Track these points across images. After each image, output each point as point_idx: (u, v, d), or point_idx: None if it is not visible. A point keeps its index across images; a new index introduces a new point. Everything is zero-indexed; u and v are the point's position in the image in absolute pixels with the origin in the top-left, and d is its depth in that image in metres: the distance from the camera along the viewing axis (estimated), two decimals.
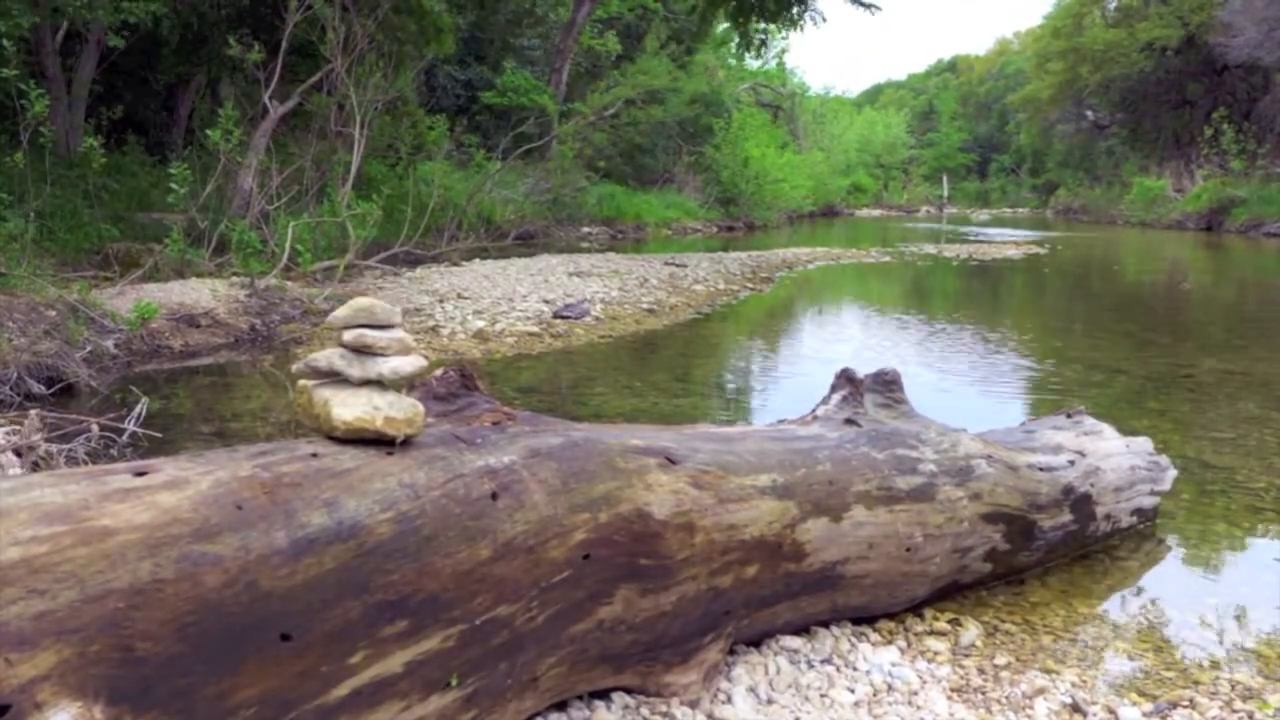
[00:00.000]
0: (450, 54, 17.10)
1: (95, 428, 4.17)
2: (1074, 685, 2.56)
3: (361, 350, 1.89)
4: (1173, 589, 3.25)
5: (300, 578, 1.58)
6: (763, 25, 22.75)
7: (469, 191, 16.44)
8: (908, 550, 2.80)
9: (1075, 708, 2.44)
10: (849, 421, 2.97)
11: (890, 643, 2.78)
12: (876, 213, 48.89)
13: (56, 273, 7.79)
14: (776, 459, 2.63)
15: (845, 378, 3.12)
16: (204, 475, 1.62)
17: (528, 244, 17.47)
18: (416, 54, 14.50)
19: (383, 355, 1.89)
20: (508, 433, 2.17)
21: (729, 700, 2.38)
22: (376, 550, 1.70)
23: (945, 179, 59.82)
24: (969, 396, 6.14)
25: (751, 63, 42.62)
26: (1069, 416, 3.84)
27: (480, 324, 8.24)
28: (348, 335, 1.89)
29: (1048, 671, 2.64)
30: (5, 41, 8.09)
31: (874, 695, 2.48)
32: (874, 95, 78.20)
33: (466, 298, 9.71)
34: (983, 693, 2.52)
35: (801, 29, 22.08)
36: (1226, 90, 35.28)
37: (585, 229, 21.50)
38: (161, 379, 6.25)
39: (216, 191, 10.56)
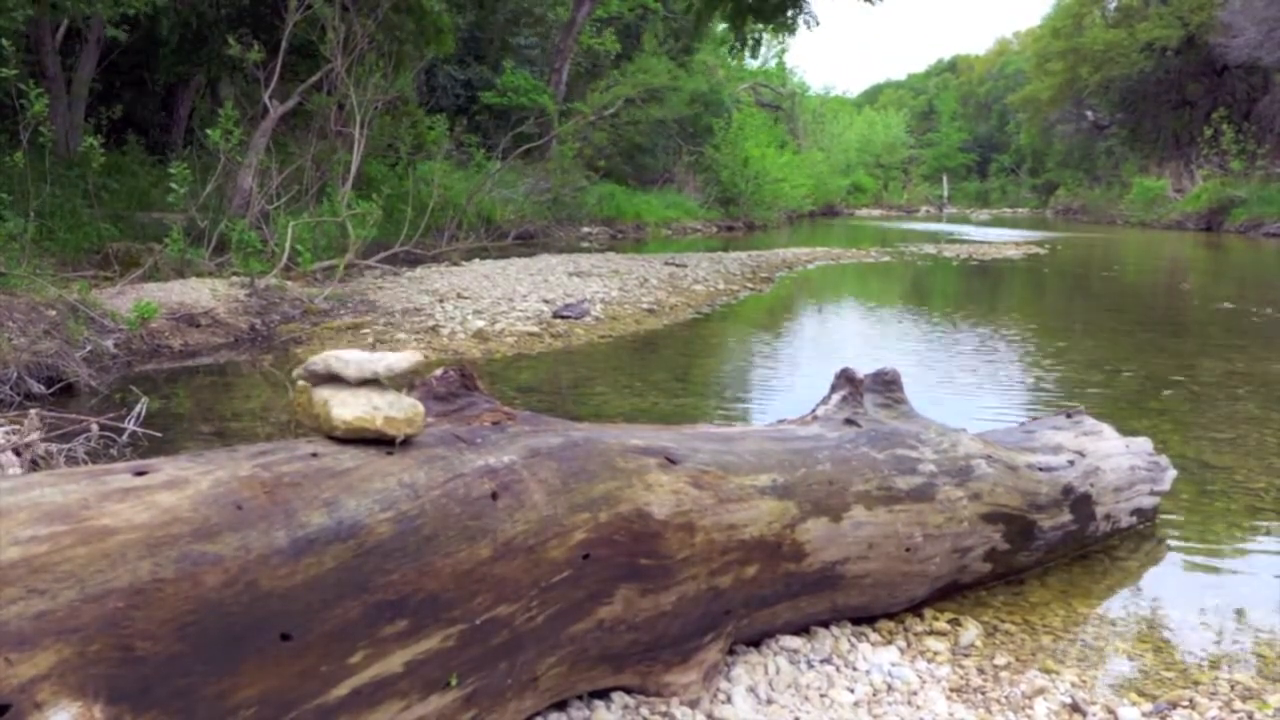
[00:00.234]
0: (450, 54, 17.09)
1: (95, 427, 4.18)
2: (1074, 685, 2.56)
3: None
4: (1173, 589, 3.25)
5: (300, 577, 1.58)
6: (758, 27, 22.74)
7: (469, 191, 16.45)
8: (907, 550, 2.80)
9: (1075, 708, 2.44)
10: (849, 421, 2.97)
11: (890, 643, 2.78)
12: (876, 212, 48.91)
13: (56, 272, 7.79)
14: (776, 459, 2.63)
15: (845, 378, 3.12)
16: (204, 475, 1.62)
17: (528, 244, 17.48)
18: (416, 54, 14.49)
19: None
20: (508, 432, 2.17)
21: (729, 700, 2.38)
22: (376, 550, 1.70)
23: (945, 179, 59.86)
24: (969, 396, 6.14)
25: (751, 62, 42.65)
26: (1069, 416, 3.85)
27: (480, 324, 8.24)
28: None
29: (1047, 671, 2.64)
30: (4, 40, 8.08)
31: (874, 695, 2.48)
32: (874, 95, 78.20)
33: (466, 297, 9.71)
34: (982, 693, 2.52)
35: (793, 33, 22.12)
36: (1226, 90, 35.30)
37: (585, 229, 21.51)
38: (161, 379, 6.25)
39: (216, 191, 10.56)
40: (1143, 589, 3.27)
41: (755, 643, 2.64)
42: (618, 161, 26.03)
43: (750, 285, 12.37)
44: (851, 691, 2.48)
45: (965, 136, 67.06)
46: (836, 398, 3.08)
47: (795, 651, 2.65)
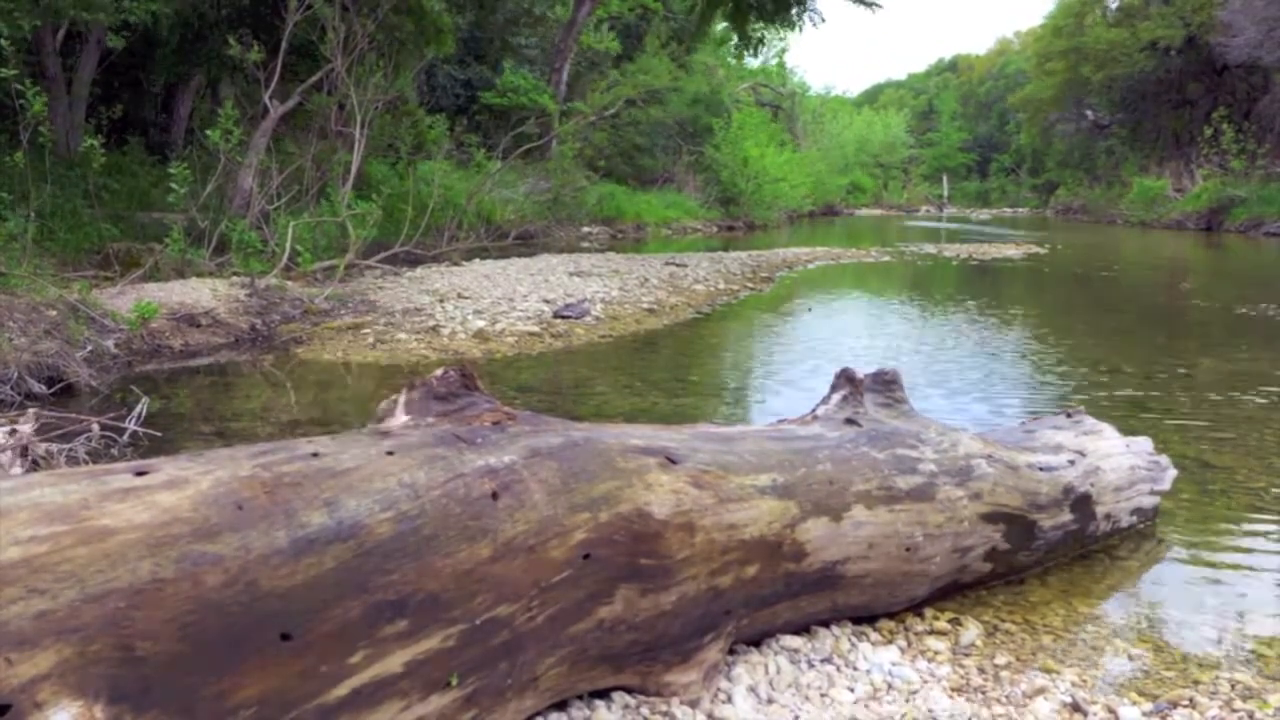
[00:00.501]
0: (450, 54, 17.10)
1: (95, 427, 4.18)
2: (1074, 685, 2.56)
3: None
4: (1173, 589, 3.25)
5: (300, 577, 1.58)
6: (760, 25, 22.73)
7: (469, 191, 16.45)
8: (908, 550, 2.80)
9: (1075, 707, 2.44)
10: (849, 421, 2.97)
11: (890, 642, 2.78)
12: (876, 212, 48.93)
13: (57, 273, 7.79)
14: (776, 459, 2.63)
15: (845, 377, 3.12)
16: (204, 475, 1.62)
17: (528, 244, 17.48)
18: (416, 54, 14.49)
19: None
20: (508, 432, 2.17)
21: (729, 700, 2.38)
22: (376, 550, 1.70)
23: (945, 179, 59.88)
24: (969, 396, 6.14)
25: (751, 62, 42.66)
26: (1069, 416, 3.85)
27: (480, 324, 8.24)
28: None
29: (1048, 671, 2.64)
30: (5, 42, 8.09)
31: (874, 695, 2.48)
32: (874, 95, 78.19)
33: (467, 297, 9.71)
34: (983, 692, 2.52)
35: (800, 30, 22.10)
36: (1226, 90, 35.30)
37: (585, 229, 21.50)
38: (162, 379, 6.25)
39: (216, 191, 10.56)
40: (1143, 589, 3.27)
41: (756, 642, 2.64)
42: (618, 161, 26.03)
43: (750, 285, 12.37)
44: (852, 691, 2.48)
45: (965, 136, 67.05)
46: (837, 397, 3.08)
47: (796, 651, 2.65)
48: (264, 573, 1.54)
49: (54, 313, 6.32)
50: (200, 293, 7.92)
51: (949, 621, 2.93)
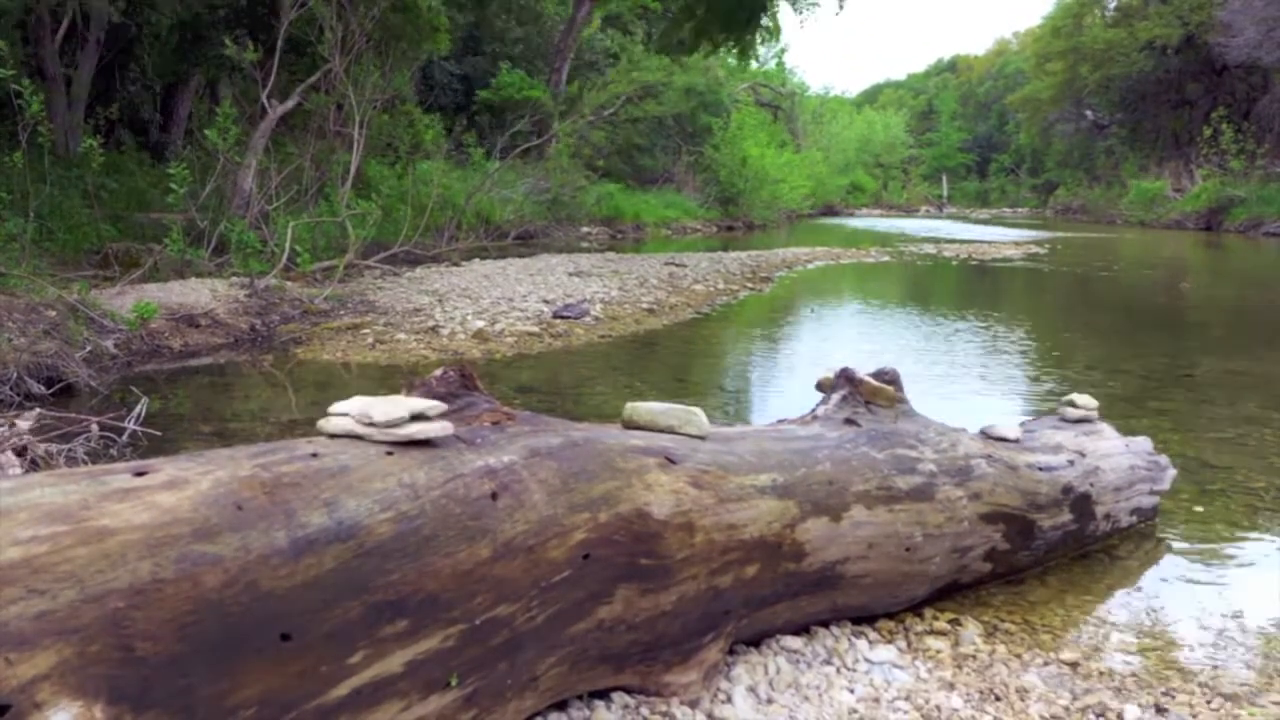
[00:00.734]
0: (447, 51, 17.10)
1: (95, 427, 4.18)
2: (1073, 685, 2.56)
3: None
4: (1173, 589, 3.25)
5: (300, 578, 1.58)
6: (726, 47, 22.62)
7: (468, 191, 16.45)
8: (907, 550, 2.80)
9: (1075, 707, 2.44)
10: (849, 421, 2.97)
11: (890, 642, 2.78)
12: (876, 212, 48.94)
13: (56, 273, 7.79)
14: (776, 459, 2.63)
15: (845, 377, 3.12)
16: (204, 475, 1.62)
17: (527, 244, 17.48)
18: (413, 52, 14.49)
19: None
20: (508, 433, 2.17)
21: (729, 700, 2.38)
22: (376, 550, 1.70)
23: (945, 179, 59.96)
24: (969, 396, 6.14)
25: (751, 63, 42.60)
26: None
27: (480, 324, 8.24)
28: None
29: (1047, 671, 2.64)
30: (2, 40, 8.09)
31: (874, 695, 2.48)
32: (873, 95, 78.24)
33: (466, 298, 9.71)
34: (982, 692, 2.52)
35: (753, 58, 22.05)
36: (1226, 90, 35.33)
37: (584, 229, 21.50)
38: (161, 379, 6.24)
39: (216, 191, 10.56)
40: (1143, 589, 3.27)
41: (755, 642, 2.64)
42: (616, 161, 26.03)
43: (750, 285, 12.37)
44: (852, 691, 2.48)
45: (965, 136, 67.11)
46: (836, 397, 3.08)
47: (795, 651, 2.65)
48: (264, 573, 1.54)
49: (53, 313, 6.31)
50: (199, 293, 7.92)
51: (949, 622, 2.93)
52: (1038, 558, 3.30)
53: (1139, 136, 39.82)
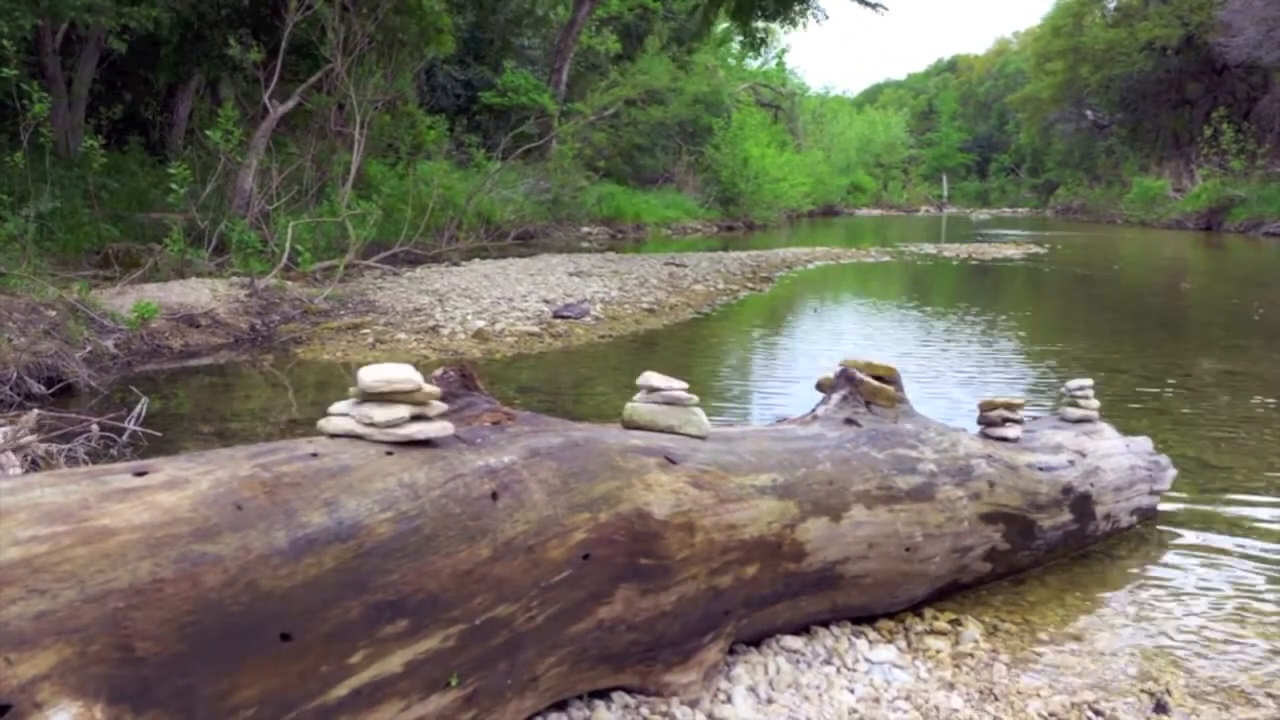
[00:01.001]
0: (450, 54, 17.11)
1: (95, 427, 4.18)
2: (1073, 684, 2.56)
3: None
4: (1172, 589, 3.25)
5: (300, 578, 1.58)
6: (763, 23, 22.71)
7: (469, 191, 16.45)
8: (907, 550, 2.80)
9: (1074, 707, 2.44)
10: (849, 421, 2.97)
11: (890, 642, 2.78)
12: (876, 212, 48.96)
13: (56, 273, 7.79)
14: (776, 459, 2.63)
15: (845, 377, 3.12)
16: (204, 475, 1.62)
17: (527, 244, 17.48)
18: (416, 54, 14.50)
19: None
20: (508, 432, 2.17)
21: (729, 700, 2.38)
22: (376, 550, 1.70)
23: (945, 179, 59.96)
24: (969, 396, 6.14)
25: (751, 62, 42.68)
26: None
27: (480, 324, 8.24)
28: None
29: (1047, 671, 2.64)
30: (6, 42, 8.09)
31: (874, 695, 2.48)
32: (874, 95, 78.23)
33: (466, 297, 9.71)
34: (982, 692, 2.52)
35: (805, 27, 22.20)
36: (1226, 90, 35.33)
37: (585, 229, 21.51)
38: (161, 379, 6.25)
39: (216, 191, 10.56)
40: (1142, 588, 3.26)
41: (755, 642, 2.64)
42: (617, 162, 26.04)
43: (750, 285, 12.37)
44: (852, 691, 2.48)
45: (965, 136, 67.13)
46: (837, 397, 3.08)
47: (795, 651, 2.65)
48: (264, 573, 1.54)
49: (53, 313, 6.32)
50: (200, 293, 7.92)
51: (949, 622, 2.93)
52: (1038, 558, 3.30)
53: (1139, 136, 39.83)
